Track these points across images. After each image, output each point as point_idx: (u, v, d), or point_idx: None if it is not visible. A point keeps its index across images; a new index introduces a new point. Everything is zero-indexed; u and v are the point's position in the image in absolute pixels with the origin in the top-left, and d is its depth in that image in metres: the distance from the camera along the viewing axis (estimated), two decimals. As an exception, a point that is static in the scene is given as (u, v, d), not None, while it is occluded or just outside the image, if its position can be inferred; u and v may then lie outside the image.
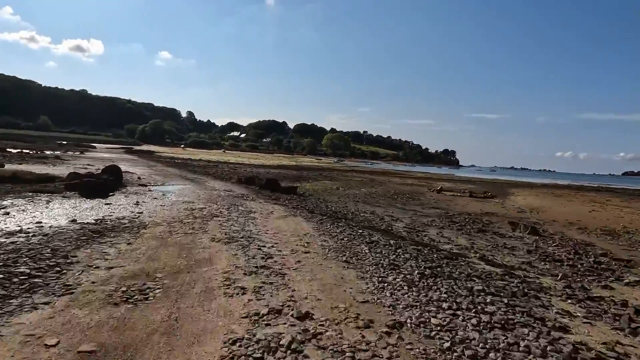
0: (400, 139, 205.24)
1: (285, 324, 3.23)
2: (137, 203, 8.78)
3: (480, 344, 3.10)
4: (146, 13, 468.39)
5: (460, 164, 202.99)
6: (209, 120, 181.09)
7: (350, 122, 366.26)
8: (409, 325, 3.37)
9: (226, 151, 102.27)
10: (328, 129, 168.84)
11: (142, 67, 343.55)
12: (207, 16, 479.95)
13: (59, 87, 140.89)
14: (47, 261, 4.23)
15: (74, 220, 6.39)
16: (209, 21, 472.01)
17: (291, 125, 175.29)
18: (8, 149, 26.36)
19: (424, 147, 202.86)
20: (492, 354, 2.97)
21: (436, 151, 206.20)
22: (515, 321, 3.61)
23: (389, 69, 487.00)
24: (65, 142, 50.64)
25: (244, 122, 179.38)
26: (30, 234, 5.28)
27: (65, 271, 4.02)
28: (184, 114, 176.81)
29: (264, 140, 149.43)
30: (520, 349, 3.09)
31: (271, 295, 3.83)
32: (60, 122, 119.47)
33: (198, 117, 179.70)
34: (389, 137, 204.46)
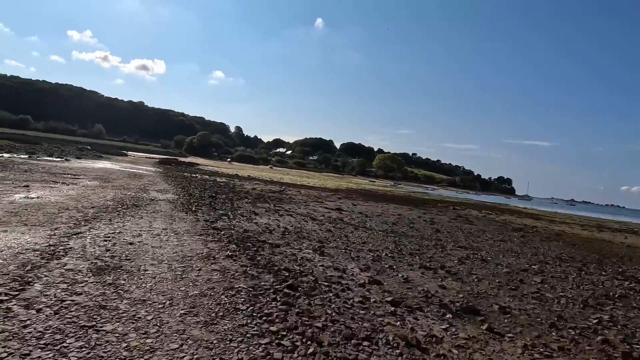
0: (450, 163, 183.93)
1: None
2: None
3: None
4: (204, 36, 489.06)
5: (515, 193, 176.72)
6: (255, 136, 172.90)
7: (390, 143, 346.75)
8: None
9: (273, 167, 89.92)
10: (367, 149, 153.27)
11: (197, 85, 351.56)
12: (258, 38, 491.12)
13: (118, 99, 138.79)
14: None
15: None
16: (259, 43, 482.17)
17: (336, 144, 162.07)
18: None
19: (475, 174, 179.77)
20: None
21: (490, 178, 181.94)
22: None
23: (430, 91, 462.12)
24: (89, 147, 39.30)
25: (288, 138, 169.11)
26: None
27: None
28: (232, 129, 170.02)
29: (310, 157, 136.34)
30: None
31: None
32: (115, 130, 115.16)
33: (245, 132, 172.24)
34: (438, 160, 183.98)
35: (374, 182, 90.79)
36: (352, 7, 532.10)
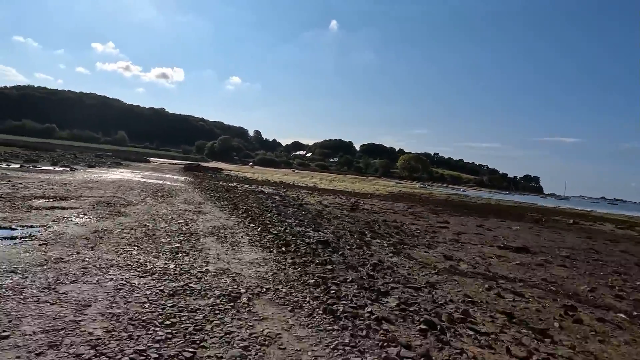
0: (473, 162, 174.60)
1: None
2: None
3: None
4: (221, 43, 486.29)
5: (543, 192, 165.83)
6: (274, 140, 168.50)
7: (405, 144, 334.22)
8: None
9: (296, 170, 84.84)
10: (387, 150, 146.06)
11: (215, 90, 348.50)
12: (273, 43, 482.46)
13: (140, 105, 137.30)
14: None
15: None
16: (274, 48, 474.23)
17: (356, 145, 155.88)
18: None
19: (500, 172, 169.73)
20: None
21: (515, 176, 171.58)
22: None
23: (444, 91, 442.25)
24: (109, 154, 34.93)
25: (306, 141, 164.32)
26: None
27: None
28: (251, 133, 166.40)
29: (331, 160, 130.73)
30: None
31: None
32: (138, 137, 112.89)
33: (264, 136, 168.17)
34: (460, 159, 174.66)
35: (401, 183, 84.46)
36: (366, 8, 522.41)
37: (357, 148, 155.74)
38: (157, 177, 15.58)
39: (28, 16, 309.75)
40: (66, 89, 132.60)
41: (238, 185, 17.57)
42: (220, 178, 23.32)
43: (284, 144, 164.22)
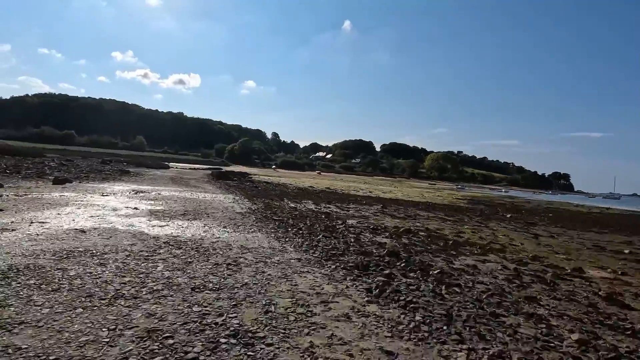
0: (498, 160, 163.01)
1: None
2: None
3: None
4: (235, 48, 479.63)
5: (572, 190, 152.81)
6: (292, 142, 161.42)
7: (425, 143, 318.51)
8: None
9: (321, 173, 77.08)
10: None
11: (230, 95, 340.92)
12: (287, 46, 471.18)
13: (159, 110, 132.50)
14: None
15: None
16: (288, 51, 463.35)
17: (375, 145, 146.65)
18: None
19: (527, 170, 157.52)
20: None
21: (543, 174, 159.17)
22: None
23: (464, 87, 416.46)
24: (122, 159, 27.83)
25: (323, 142, 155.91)
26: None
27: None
28: (268, 135, 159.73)
29: (353, 160, 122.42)
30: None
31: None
32: (156, 142, 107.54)
33: (281, 138, 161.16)
34: (484, 158, 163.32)
35: (434, 184, 75.73)
36: (379, 8, 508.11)
37: (378, 148, 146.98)
38: (184, 207, 7.84)
39: (52, 29, 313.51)
40: (86, 96, 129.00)
41: (315, 207, 9.75)
42: (271, 191, 15.62)
43: (302, 146, 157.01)
